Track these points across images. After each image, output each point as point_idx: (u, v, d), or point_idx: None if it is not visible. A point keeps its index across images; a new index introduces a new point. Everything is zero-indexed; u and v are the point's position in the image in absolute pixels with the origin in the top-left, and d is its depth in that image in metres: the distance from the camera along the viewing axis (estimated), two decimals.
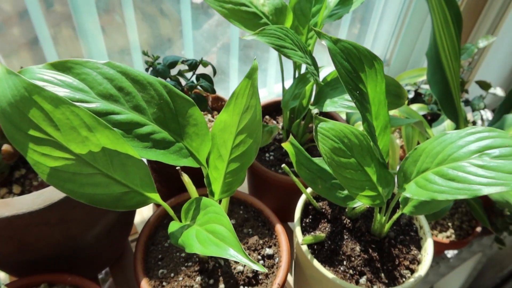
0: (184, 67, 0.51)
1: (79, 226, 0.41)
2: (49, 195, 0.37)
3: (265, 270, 0.27)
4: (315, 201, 0.47)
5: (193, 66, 0.50)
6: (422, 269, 0.43)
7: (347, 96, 0.47)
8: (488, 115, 0.78)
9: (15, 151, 0.39)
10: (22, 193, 0.40)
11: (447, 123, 0.76)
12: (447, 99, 0.70)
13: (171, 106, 0.34)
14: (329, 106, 0.47)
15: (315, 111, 0.40)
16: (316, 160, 0.40)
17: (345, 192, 0.40)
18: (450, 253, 0.91)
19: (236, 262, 0.45)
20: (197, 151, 0.35)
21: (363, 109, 0.34)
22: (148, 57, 0.49)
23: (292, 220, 0.54)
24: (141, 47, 0.68)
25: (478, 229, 0.76)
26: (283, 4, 0.49)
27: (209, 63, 0.52)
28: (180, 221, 0.37)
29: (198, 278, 0.43)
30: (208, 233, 0.29)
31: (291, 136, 0.39)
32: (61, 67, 0.31)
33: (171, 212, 0.37)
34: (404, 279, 0.43)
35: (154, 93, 0.33)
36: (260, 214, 0.50)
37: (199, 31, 0.79)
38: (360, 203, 0.40)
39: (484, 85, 0.85)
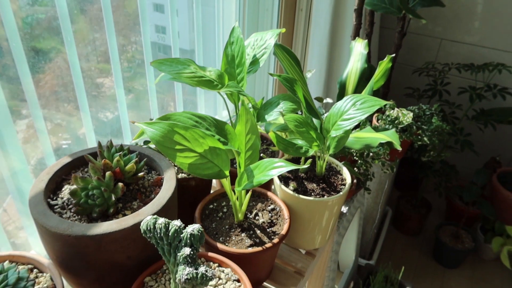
0: None
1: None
2: (158, 203, 0.61)
3: (291, 164, 0.59)
4: None
5: None
6: (348, 182, 0.80)
7: (274, 109, 0.83)
8: None
9: (123, 186, 0.62)
10: None
11: None
12: (311, 111, 1.13)
13: (218, 125, 0.64)
14: (267, 118, 0.82)
15: (280, 110, 0.75)
16: (286, 139, 0.74)
17: (303, 149, 0.75)
18: (344, 210, 1.33)
19: (258, 219, 0.74)
20: (234, 146, 0.66)
21: (301, 104, 0.71)
22: None
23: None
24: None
25: (355, 180, 1.20)
26: (220, 72, 0.84)
27: None
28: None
29: (243, 234, 0.71)
30: (270, 169, 0.60)
31: (271, 129, 0.73)
32: (165, 118, 0.58)
33: (226, 187, 0.65)
34: (343, 189, 0.79)
35: (209, 120, 0.63)
36: (260, 193, 0.80)
37: None
38: (312, 152, 0.75)
39: (320, 99, 1.34)
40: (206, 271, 0.49)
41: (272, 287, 0.77)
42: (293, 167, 0.59)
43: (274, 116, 0.82)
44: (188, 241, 0.50)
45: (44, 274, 0.58)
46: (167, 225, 0.51)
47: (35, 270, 0.59)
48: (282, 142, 0.72)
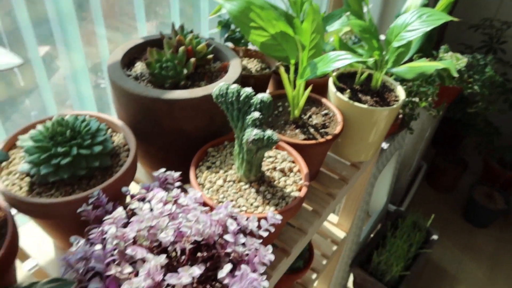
0: None
1: None
2: (225, 82, 0.65)
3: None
4: (337, 81, 0.83)
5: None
6: (401, 98, 0.81)
7: (336, 21, 0.84)
8: None
9: (195, 61, 0.66)
10: None
11: None
12: None
13: (287, 17, 0.66)
14: (329, 29, 0.83)
15: (347, 14, 0.76)
16: (347, 45, 0.76)
17: (364, 57, 0.76)
18: (385, 146, 1.35)
19: (311, 120, 0.77)
20: (302, 40, 0.68)
21: (365, 15, 0.72)
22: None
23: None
24: None
25: (400, 115, 1.21)
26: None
27: None
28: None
29: (297, 130, 0.74)
30: (335, 61, 0.62)
31: (335, 34, 0.74)
32: None
33: (286, 80, 0.68)
34: (396, 103, 0.81)
35: (280, 10, 0.65)
36: (314, 99, 0.83)
37: None
38: (372, 61, 0.77)
39: None
40: (272, 134, 0.54)
41: (318, 188, 0.81)
42: (358, 59, 0.61)
43: (336, 27, 0.83)
44: (258, 106, 0.54)
45: (118, 134, 0.64)
46: (239, 91, 0.55)
47: (109, 130, 0.65)
48: (344, 47, 0.74)
